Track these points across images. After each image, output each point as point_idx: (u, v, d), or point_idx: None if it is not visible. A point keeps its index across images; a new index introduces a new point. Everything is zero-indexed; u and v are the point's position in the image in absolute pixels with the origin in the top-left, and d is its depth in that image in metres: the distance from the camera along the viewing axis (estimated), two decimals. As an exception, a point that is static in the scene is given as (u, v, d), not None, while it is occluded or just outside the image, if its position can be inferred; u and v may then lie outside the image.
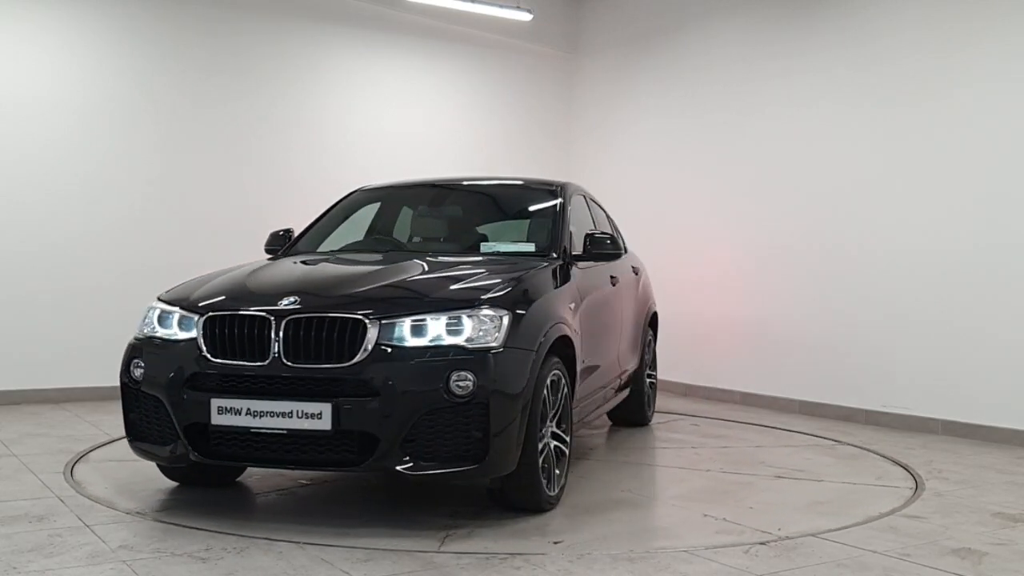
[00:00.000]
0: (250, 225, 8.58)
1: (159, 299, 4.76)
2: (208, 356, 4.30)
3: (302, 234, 5.96)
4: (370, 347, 4.11)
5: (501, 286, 4.48)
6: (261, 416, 4.13)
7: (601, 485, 5.23)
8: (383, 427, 4.03)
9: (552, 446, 4.57)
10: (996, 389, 6.74)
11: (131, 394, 4.57)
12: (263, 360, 4.20)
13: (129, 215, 8.25)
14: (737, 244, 8.66)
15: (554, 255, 5.24)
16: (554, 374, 4.56)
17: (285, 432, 4.11)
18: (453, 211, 6.16)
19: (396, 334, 4.15)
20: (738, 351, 8.61)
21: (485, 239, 5.63)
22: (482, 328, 4.18)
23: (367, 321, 4.15)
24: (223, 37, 8.70)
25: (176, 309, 4.55)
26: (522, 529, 4.27)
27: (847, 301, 7.72)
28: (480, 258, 5.24)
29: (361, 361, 4.10)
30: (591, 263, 5.52)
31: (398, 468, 4.06)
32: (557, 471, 4.62)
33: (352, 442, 4.10)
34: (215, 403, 4.19)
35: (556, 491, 4.61)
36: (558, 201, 5.73)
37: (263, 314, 4.26)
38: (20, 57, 7.86)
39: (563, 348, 4.76)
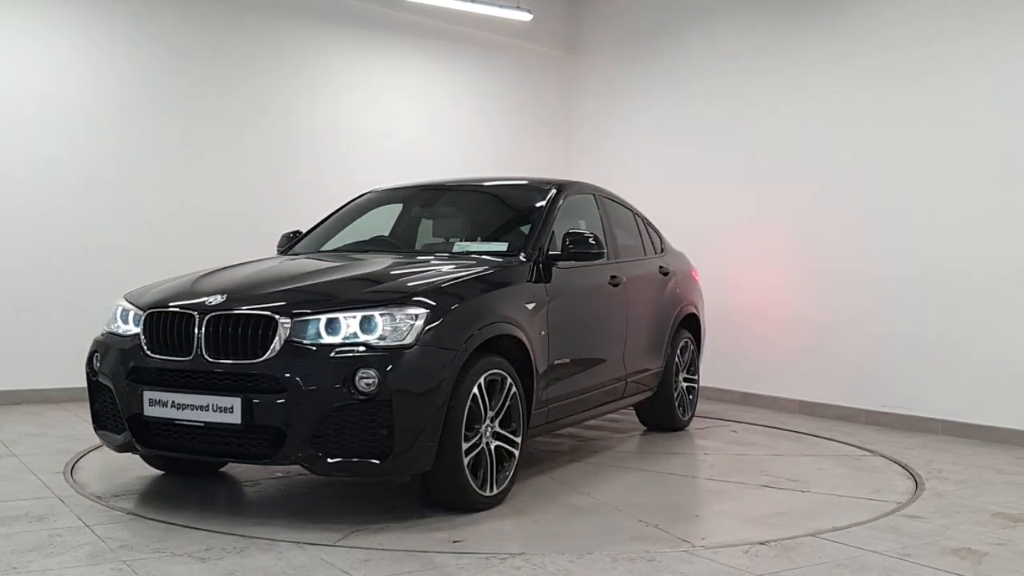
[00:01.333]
0: (252, 225, 8.64)
1: (124, 297, 4.99)
2: (146, 351, 4.52)
3: (305, 234, 6.17)
4: (281, 344, 4.22)
5: (426, 285, 4.54)
6: (183, 408, 4.32)
7: (567, 488, 5.14)
8: (290, 422, 4.14)
9: (492, 446, 4.60)
10: (996, 389, 6.74)
11: (93, 385, 4.86)
12: (188, 355, 4.38)
13: (130, 215, 8.25)
14: (735, 243, 8.65)
15: (522, 255, 5.23)
16: (494, 374, 4.57)
17: (203, 424, 4.29)
18: (447, 212, 6.27)
19: (307, 331, 4.25)
20: (737, 351, 8.60)
21: (470, 239, 5.71)
22: (394, 326, 4.23)
23: (278, 318, 4.26)
24: (226, 35, 8.71)
25: (132, 306, 4.80)
26: (436, 527, 4.28)
27: (847, 301, 7.71)
28: (445, 258, 5.34)
29: (271, 357, 4.22)
30: (574, 263, 5.43)
31: (305, 462, 4.18)
32: (499, 472, 4.64)
33: (264, 435, 4.22)
34: (147, 395, 4.42)
35: (495, 491, 4.60)
36: (544, 201, 5.71)
37: (188, 311, 4.45)
38: (21, 57, 7.87)
39: (514, 349, 4.80)
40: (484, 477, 4.53)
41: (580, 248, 5.31)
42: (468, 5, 9.02)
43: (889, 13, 7.49)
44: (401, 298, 4.35)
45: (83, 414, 7.20)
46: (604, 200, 6.45)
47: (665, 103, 9.51)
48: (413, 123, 9.68)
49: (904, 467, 5.85)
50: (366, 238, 6.05)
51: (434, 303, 4.36)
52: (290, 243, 6.12)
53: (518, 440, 4.76)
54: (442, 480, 4.40)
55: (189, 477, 5.30)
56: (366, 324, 4.23)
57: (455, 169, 9.30)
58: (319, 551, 3.88)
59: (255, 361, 4.24)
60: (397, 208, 6.33)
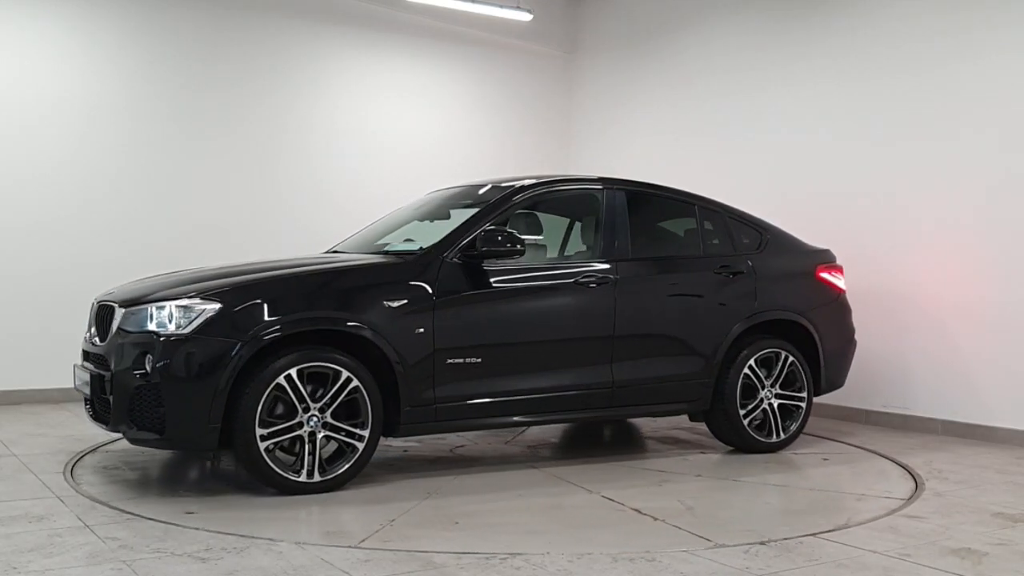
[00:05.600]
0: (253, 226, 8.66)
1: None
2: (87, 334, 5.47)
3: (353, 235, 6.64)
4: (114, 330, 4.97)
5: (232, 282, 4.99)
6: (81, 383, 5.29)
7: (394, 487, 5.08)
8: (112, 397, 4.85)
9: (319, 436, 4.86)
10: (996, 389, 6.74)
11: None
12: (93, 337, 5.32)
13: (133, 217, 8.27)
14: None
15: (416, 254, 5.37)
16: (320, 367, 4.85)
17: (86, 395, 5.21)
18: (440, 214, 6.25)
19: (131, 320, 4.92)
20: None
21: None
22: (183, 317, 4.77)
23: (115, 308, 5.06)
24: (227, 36, 8.74)
25: None
26: (194, 500, 4.79)
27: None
28: (361, 256, 5.70)
29: (107, 342, 5.02)
30: (495, 261, 5.39)
31: (125, 432, 4.87)
32: (331, 462, 4.93)
33: (105, 406, 4.96)
34: (75, 370, 5.41)
35: (318, 479, 4.85)
36: (490, 201, 5.71)
37: (95, 302, 5.42)
38: (23, 59, 7.89)
39: (367, 345, 5.00)
40: (301, 464, 4.83)
41: (489, 246, 5.31)
42: (468, 5, 9.02)
43: (888, 10, 7.49)
44: (188, 293, 4.88)
45: (83, 414, 7.21)
46: (620, 194, 6.04)
47: (665, 102, 9.51)
48: (412, 123, 9.67)
49: (904, 467, 5.85)
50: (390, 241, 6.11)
51: (225, 298, 4.81)
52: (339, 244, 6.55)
53: (363, 434, 4.97)
54: (244, 461, 4.85)
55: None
56: (169, 315, 4.80)
57: (453, 170, 9.31)
58: (319, 551, 3.88)
59: (100, 344, 5.11)
60: (420, 210, 6.41)
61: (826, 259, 6.75)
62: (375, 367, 5.04)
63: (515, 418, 5.55)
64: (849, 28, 7.79)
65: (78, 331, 7.77)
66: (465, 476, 5.45)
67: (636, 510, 4.72)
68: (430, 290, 5.19)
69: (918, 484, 5.38)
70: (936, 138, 7.13)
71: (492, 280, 5.42)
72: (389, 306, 5.07)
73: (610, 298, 5.78)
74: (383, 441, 6.23)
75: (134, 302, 4.98)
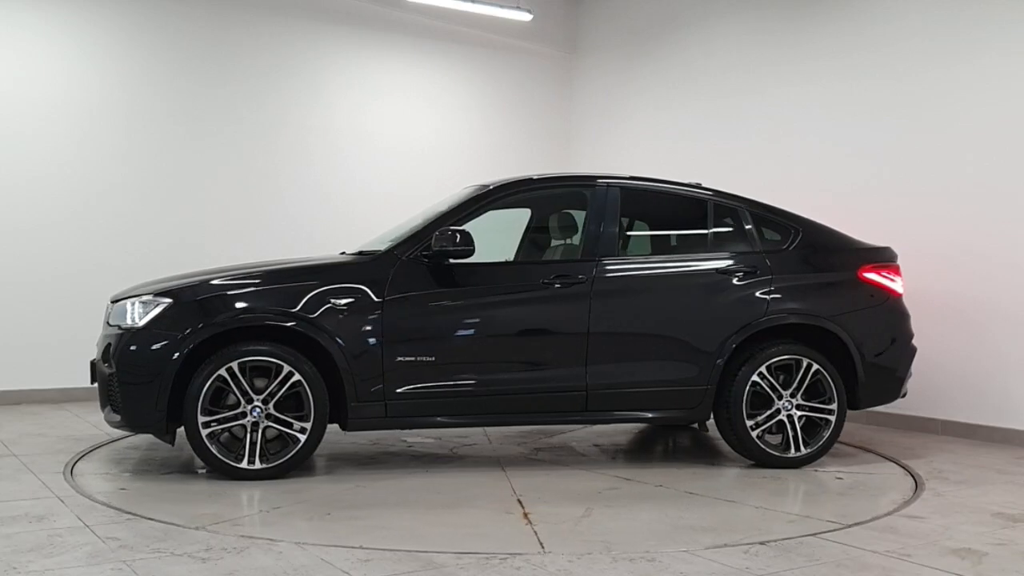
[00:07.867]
0: (254, 226, 8.65)
1: None
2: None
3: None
4: (105, 323, 5.47)
5: (186, 280, 5.37)
6: None
7: (335, 479, 5.25)
8: (100, 383, 5.36)
9: (263, 427, 5.15)
10: (996, 389, 6.74)
11: None
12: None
13: (131, 218, 8.27)
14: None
15: (375, 254, 5.55)
16: (262, 360, 5.13)
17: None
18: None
19: (115, 314, 5.35)
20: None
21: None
22: (143, 311, 5.18)
23: (108, 303, 5.54)
24: (228, 36, 8.74)
25: None
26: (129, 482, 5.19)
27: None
28: (320, 257, 6.00)
29: (102, 332, 5.50)
30: (455, 261, 5.42)
31: (104, 415, 5.36)
32: (275, 451, 5.19)
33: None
34: None
35: (259, 466, 5.14)
36: (460, 202, 5.75)
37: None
38: (25, 60, 7.89)
39: (313, 341, 5.21)
40: (243, 451, 5.12)
41: (442, 245, 5.36)
42: (468, 5, 9.03)
43: (888, 10, 7.50)
44: (158, 290, 5.27)
45: (83, 414, 7.25)
46: (612, 191, 5.81)
47: (665, 102, 9.51)
48: (412, 123, 9.68)
49: (904, 467, 5.85)
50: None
51: (174, 295, 5.19)
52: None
53: (305, 425, 5.20)
54: (193, 448, 5.16)
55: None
56: (135, 310, 5.20)
57: (453, 170, 9.32)
58: (319, 551, 3.88)
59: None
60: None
61: (874, 258, 6.05)
62: (324, 363, 5.22)
63: (474, 418, 5.57)
64: (851, 27, 7.80)
65: (78, 331, 7.82)
66: (416, 473, 5.47)
67: (526, 514, 4.56)
68: (380, 289, 5.32)
69: (918, 484, 5.38)
70: (928, 131, 7.15)
71: (455, 279, 5.46)
72: (335, 304, 5.25)
73: (584, 299, 5.55)
74: (391, 435, 6.41)
75: (118, 298, 5.46)
